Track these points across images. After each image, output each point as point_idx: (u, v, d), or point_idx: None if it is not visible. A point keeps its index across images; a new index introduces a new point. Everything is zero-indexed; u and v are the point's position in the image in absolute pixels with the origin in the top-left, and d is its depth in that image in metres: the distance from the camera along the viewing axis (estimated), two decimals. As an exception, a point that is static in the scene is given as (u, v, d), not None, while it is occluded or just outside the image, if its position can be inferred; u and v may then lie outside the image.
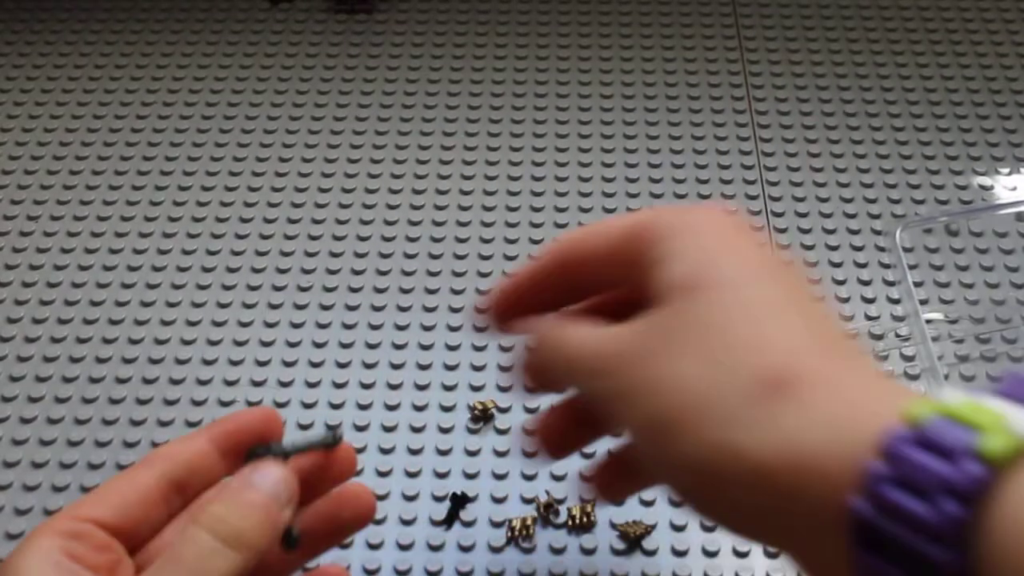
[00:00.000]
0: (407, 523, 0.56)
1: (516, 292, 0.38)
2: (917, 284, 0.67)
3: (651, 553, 0.55)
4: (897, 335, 0.64)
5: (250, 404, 0.62)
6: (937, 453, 0.23)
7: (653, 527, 0.55)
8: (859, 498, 0.25)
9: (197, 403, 0.62)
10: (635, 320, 0.31)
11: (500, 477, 0.58)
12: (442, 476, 0.58)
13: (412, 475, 0.58)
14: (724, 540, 0.56)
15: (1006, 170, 0.74)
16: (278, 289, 0.67)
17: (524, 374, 0.38)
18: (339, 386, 0.62)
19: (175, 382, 0.63)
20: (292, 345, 0.64)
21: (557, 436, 0.40)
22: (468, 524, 0.56)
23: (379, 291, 0.67)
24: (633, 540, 0.55)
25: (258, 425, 0.38)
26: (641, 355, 0.30)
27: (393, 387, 0.62)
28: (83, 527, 0.33)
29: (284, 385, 0.62)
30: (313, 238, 0.70)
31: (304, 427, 0.61)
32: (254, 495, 0.34)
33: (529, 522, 0.55)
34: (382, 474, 0.58)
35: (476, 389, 0.62)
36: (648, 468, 0.31)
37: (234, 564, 0.32)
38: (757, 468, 0.26)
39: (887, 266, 0.68)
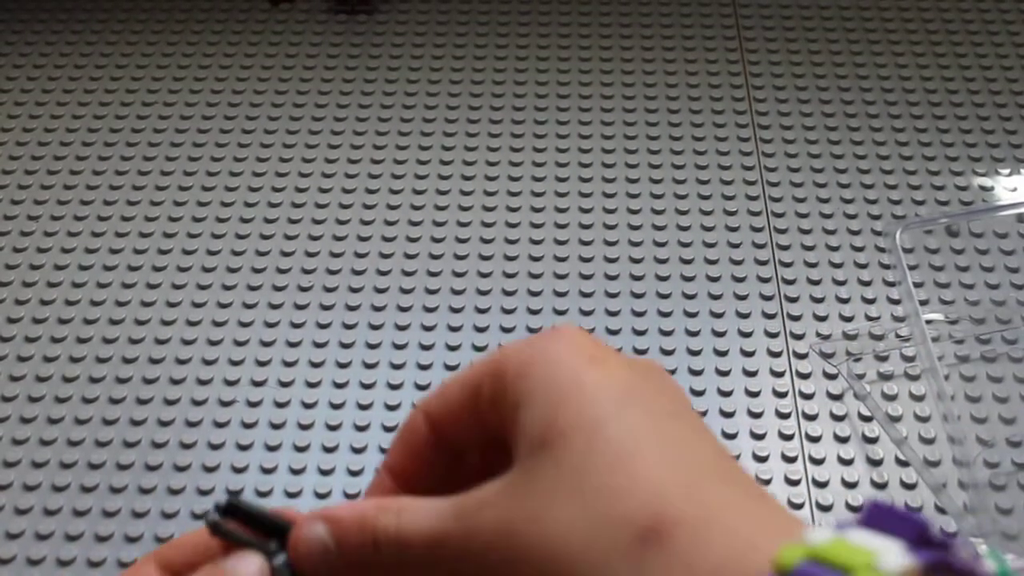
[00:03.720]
0: (407, 523, 0.56)
1: (397, 475, 0.31)
2: (917, 285, 0.67)
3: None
4: (898, 336, 0.64)
5: (250, 404, 0.62)
6: None
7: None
8: None
9: (197, 403, 0.62)
10: (495, 481, 0.27)
11: (500, 477, 0.58)
12: (442, 476, 0.58)
13: (412, 475, 0.58)
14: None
15: (1006, 171, 0.74)
16: (278, 289, 0.67)
17: None
18: (339, 386, 0.62)
19: (175, 382, 0.63)
20: (292, 345, 0.64)
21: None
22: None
23: (379, 291, 0.67)
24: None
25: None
26: (506, 526, 0.27)
27: (394, 387, 0.62)
28: None
29: (284, 385, 0.62)
30: (314, 238, 0.70)
31: (305, 427, 0.61)
32: None
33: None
34: (382, 474, 0.58)
35: (476, 389, 0.62)
36: None
37: None
38: None
39: (887, 267, 0.68)
